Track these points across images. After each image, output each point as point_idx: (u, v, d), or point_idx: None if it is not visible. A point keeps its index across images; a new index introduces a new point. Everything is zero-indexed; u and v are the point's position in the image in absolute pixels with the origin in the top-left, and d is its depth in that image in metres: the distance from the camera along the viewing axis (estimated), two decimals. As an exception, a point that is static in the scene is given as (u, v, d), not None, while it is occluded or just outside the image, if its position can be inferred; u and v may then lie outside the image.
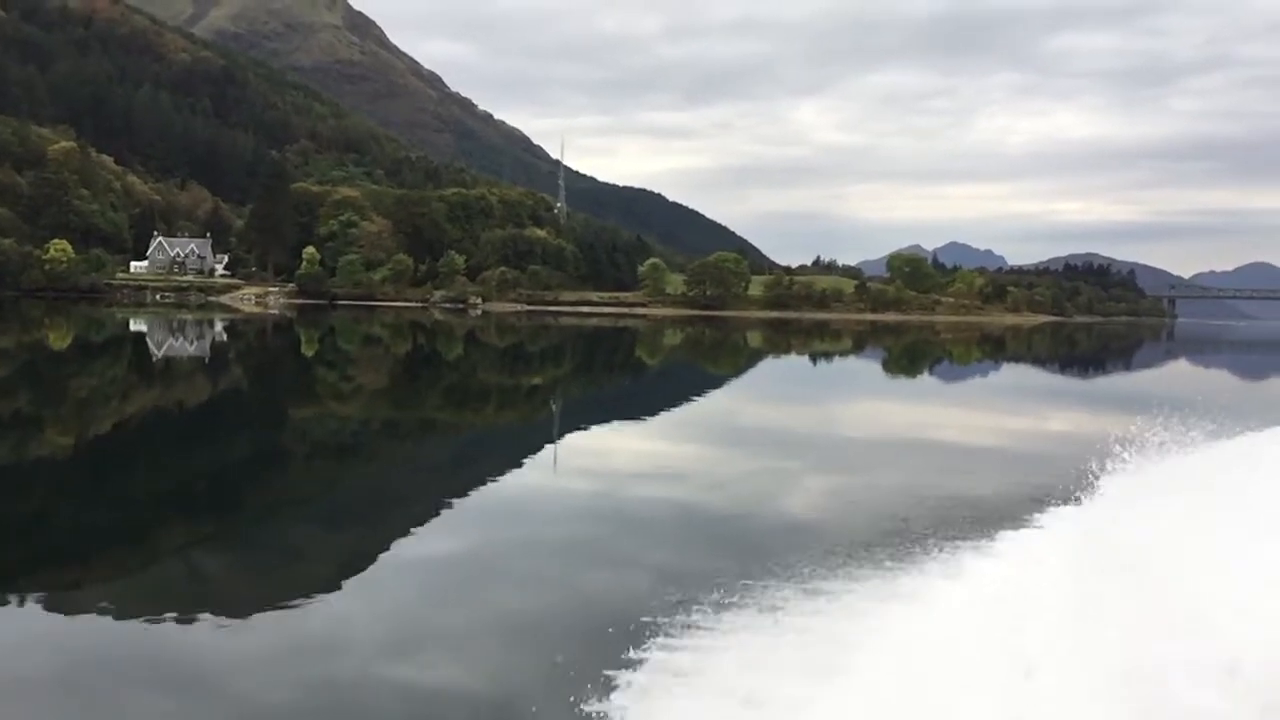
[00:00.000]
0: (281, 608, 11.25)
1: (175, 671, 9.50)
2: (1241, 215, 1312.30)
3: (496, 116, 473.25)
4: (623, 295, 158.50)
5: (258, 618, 10.93)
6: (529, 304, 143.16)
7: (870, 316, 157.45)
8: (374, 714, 8.67)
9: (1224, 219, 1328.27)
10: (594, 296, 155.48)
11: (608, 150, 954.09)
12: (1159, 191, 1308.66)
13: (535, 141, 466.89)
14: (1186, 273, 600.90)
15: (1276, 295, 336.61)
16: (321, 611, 11.19)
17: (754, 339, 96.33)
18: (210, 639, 10.35)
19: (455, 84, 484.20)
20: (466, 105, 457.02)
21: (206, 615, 10.99)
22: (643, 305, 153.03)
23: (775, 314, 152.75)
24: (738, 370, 60.71)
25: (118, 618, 10.94)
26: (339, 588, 12.02)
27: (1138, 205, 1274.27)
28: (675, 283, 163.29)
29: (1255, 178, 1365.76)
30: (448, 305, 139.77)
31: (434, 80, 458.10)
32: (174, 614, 11.00)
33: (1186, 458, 12.67)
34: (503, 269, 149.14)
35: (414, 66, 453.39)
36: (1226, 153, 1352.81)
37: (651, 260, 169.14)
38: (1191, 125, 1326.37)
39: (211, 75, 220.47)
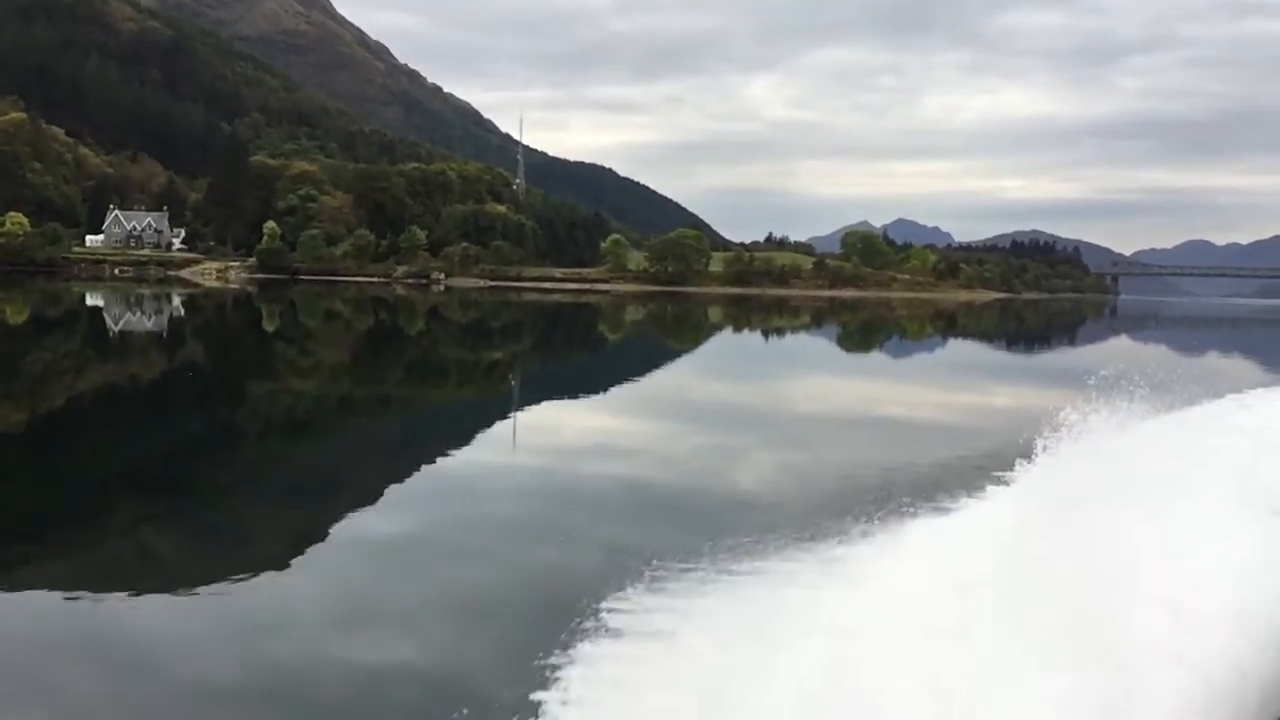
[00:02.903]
0: (230, 586, 11.23)
1: (121, 650, 9.46)
2: (1182, 194, 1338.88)
3: (445, 89, 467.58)
4: (585, 271, 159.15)
5: (206, 596, 10.86)
6: (492, 279, 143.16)
7: (829, 293, 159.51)
8: (322, 692, 8.67)
9: (1164, 197, 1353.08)
10: (557, 273, 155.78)
11: (558, 124, 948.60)
12: (1102, 169, 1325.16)
13: (485, 115, 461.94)
14: (1128, 250, 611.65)
15: (1215, 272, 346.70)
16: (270, 590, 11.16)
17: (715, 315, 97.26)
18: (157, 617, 10.28)
19: (403, 55, 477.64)
20: (415, 77, 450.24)
21: (154, 594, 10.90)
22: (605, 281, 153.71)
23: (736, 290, 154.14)
24: (697, 346, 61.56)
25: (64, 596, 10.91)
26: (288, 566, 11.98)
27: (1081, 183, 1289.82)
28: (636, 259, 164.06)
29: (1195, 157, 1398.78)
30: (410, 280, 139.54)
31: (381, 51, 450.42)
32: (121, 592, 10.92)
33: (1129, 429, 12.63)
34: (465, 244, 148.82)
35: (360, 37, 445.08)
36: (1168, 132, 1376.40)
37: (613, 236, 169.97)
38: (1134, 104, 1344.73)
39: (160, 46, 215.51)
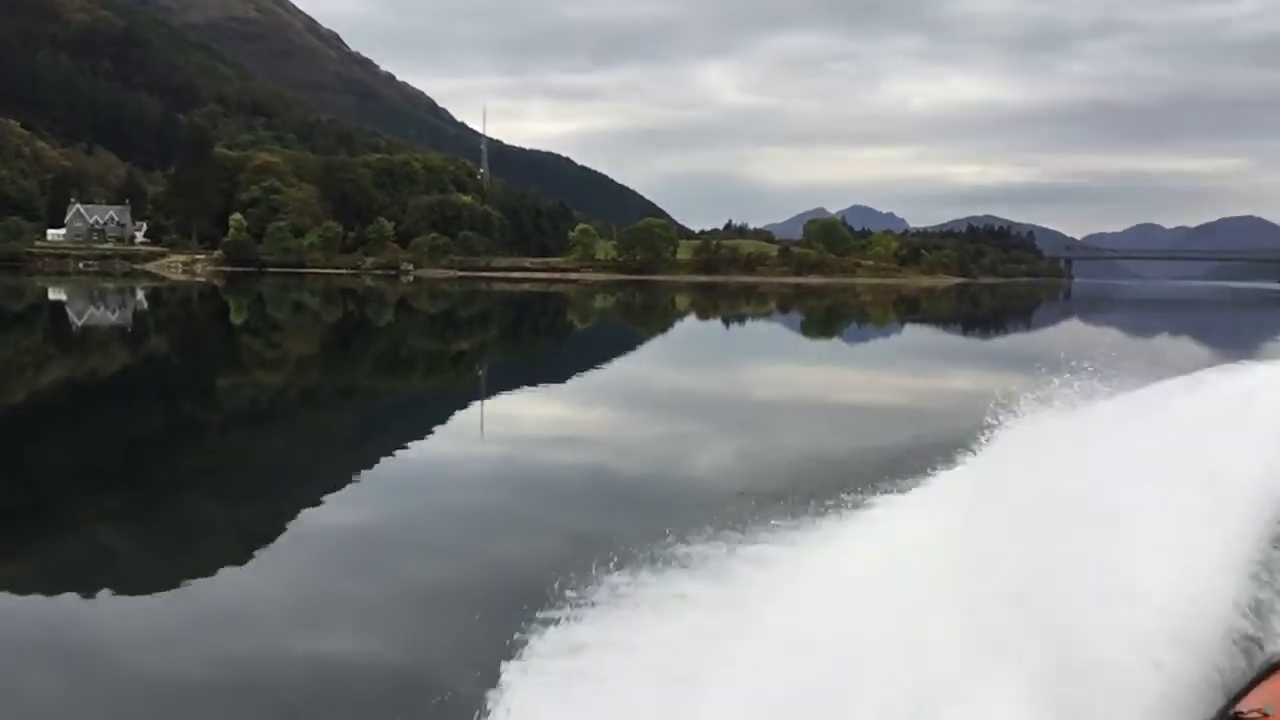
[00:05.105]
0: (187, 582, 11.10)
1: (76, 648, 9.41)
2: (1131, 178, 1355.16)
3: (399, 78, 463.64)
4: (554, 261, 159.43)
5: (162, 592, 10.74)
6: (461, 270, 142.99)
7: (795, 279, 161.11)
8: (281, 687, 8.64)
9: (1114, 182, 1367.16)
10: (526, 262, 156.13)
11: (512, 113, 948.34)
12: (1053, 155, 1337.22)
13: (440, 104, 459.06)
14: (1079, 234, 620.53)
15: (1164, 255, 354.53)
16: (228, 585, 11.08)
17: (682, 302, 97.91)
18: (113, 614, 10.25)
19: (354, 43, 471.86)
20: (368, 65, 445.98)
21: (110, 591, 10.82)
22: (574, 270, 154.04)
23: (704, 278, 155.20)
24: (663, 333, 62.10)
25: (17, 594, 10.85)
26: (247, 561, 11.88)
27: (1033, 168, 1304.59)
28: (604, 248, 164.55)
29: (1144, 141, 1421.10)
30: (379, 272, 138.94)
31: (333, 39, 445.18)
32: (76, 590, 10.82)
33: (1082, 410, 12.54)
34: (433, 235, 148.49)
35: (311, 24, 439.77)
36: (1116, 116, 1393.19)
37: (582, 226, 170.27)
38: (1085, 89, 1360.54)
39: (112, 35, 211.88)
